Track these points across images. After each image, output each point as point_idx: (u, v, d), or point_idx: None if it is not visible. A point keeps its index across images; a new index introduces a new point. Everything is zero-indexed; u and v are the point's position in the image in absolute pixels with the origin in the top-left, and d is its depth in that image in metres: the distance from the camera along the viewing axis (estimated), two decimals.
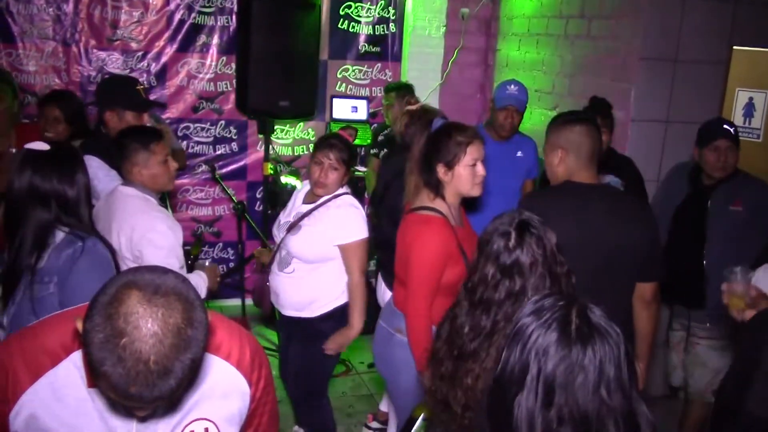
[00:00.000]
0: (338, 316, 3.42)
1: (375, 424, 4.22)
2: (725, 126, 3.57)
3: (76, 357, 1.48)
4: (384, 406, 4.15)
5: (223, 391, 1.60)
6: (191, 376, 1.31)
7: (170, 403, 1.45)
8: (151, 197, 3.02)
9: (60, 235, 2.35)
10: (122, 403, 1.33)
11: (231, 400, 1.62)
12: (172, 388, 1.27)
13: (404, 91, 5.13)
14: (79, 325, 1.31)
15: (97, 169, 3.35)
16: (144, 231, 2.85)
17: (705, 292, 3.58)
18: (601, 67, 4.72)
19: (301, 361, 3.50)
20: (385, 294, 3.80)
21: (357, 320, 3.38)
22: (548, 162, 2.92)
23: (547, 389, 1.28)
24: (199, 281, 3.14)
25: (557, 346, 1.29)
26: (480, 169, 2.84)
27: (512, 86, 4.19)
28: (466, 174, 2.83)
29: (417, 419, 2.36)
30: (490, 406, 1.40)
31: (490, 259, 2.01)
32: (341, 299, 3.42)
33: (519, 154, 4.30)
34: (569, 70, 5.07)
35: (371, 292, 3.80)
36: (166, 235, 2.88)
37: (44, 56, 5.18)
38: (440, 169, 2.83)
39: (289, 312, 3.49)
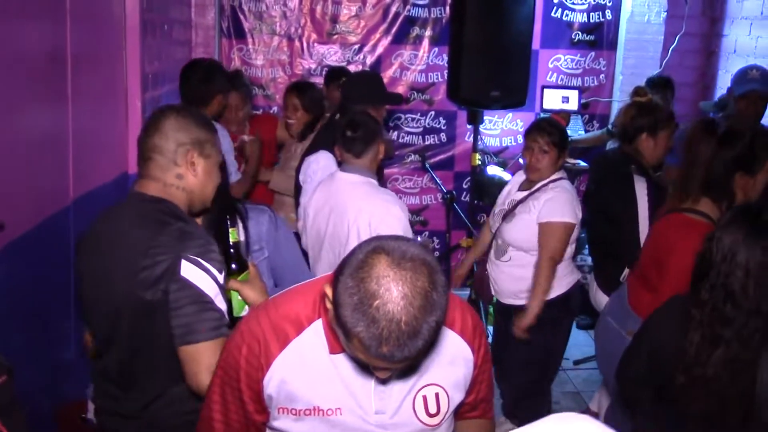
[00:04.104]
0: (559, 305, 3.36)
1: None
2: None
3: (317, 326, 1.58)
4: (594, 406, 4.01)
5: (450, 357, 1.65)
6: (434, 338, 1.36)
7: (409, 366, 1.51)
8: (374, 179, 3.13)
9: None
10: (372, 363, 1.39)
11: (457, 366, 1.67)
12: (419, 349, 1.32)
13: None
14: (329, 291, 1.38)
15: (325, 167, 3.38)
16: (383, 215, 2.95)
17: None
18: None
19: (530, 350, 3.45)
20: (596, 293, 3.67)
21: (535, 304, 3.30)
22: None
23: None
24: None
25: None
26: None
27: (754, 71, 3.83)
28: (764, 181, 2.63)
29: None
30: None
31: None
32: (561, 287, 3.37)
33: None
34: None
35: (583, 290, 3.69)
36: (400, 218, 2.98)
37: (270, 50, 5.53)
38: (739, 178, 2.62)
39: (508, 300, 3.48)
